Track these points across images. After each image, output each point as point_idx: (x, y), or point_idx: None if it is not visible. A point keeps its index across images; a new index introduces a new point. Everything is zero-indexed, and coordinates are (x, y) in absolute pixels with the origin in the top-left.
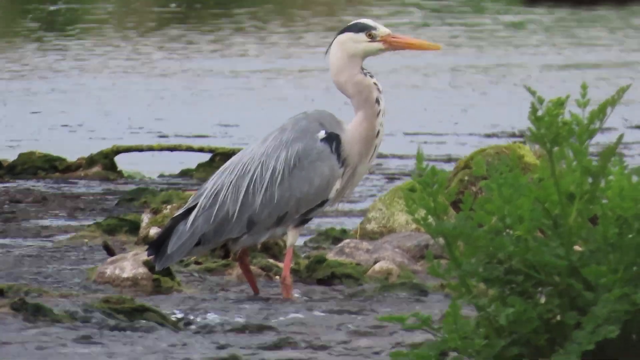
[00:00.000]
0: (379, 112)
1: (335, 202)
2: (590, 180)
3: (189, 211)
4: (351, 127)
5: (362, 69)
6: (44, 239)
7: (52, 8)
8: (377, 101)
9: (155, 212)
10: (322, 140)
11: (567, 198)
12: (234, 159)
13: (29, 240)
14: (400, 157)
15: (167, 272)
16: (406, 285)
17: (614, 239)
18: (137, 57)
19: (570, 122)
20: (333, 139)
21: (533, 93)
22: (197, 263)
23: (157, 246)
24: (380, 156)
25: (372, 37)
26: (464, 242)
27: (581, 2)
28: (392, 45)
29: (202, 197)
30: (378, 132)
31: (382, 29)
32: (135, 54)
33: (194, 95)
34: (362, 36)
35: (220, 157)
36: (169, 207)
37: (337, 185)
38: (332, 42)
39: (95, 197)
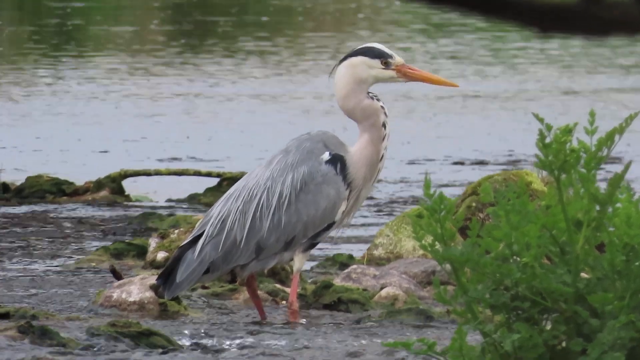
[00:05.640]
0: (384, 137)
1: (340, 225)
2: (597, 207)
3: (196, 239)
4: (356, 149)
5: (368, 92)
6: (51, 263)
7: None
8: (384, 125)
9: (163, 236)
10: (326, 162)
11: (575, 225)
12: (238, 184)
13: (36, 264)
14: (407, 182)
15: (174, 296)
16: (412, 311)
17: (620, 266)
18: (143, 80)
19: (578, 150)
20: (337, 160)
21: (541, 120)
22: (204, 287)
23: (165, 275)
24: (388, 182)
25: (386, 65)
26: (471, 268)
27: (591, 32)
28: (406, 76)
29: (209, 225)
30: (382, 156)
31: (397, 58)
32: (141, 77)
33: (201, 119)
34: (377, 62)
35: (227, 181)
36: (176, 231)
37: (343, 207)
38: (340, 63)
39: (103, 221)
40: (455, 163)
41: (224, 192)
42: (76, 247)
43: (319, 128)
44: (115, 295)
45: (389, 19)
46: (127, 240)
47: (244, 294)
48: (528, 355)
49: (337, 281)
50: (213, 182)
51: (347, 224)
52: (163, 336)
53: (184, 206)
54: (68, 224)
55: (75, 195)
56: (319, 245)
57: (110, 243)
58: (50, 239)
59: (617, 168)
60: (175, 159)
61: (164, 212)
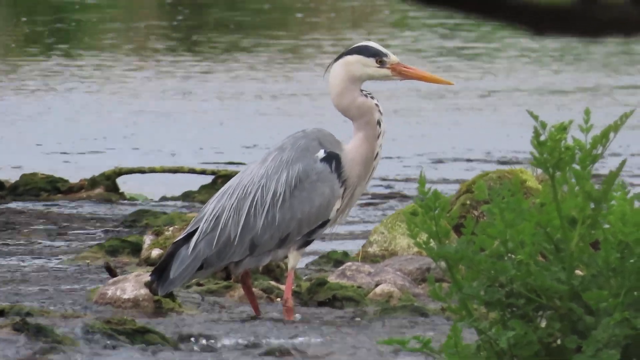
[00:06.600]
0: (379, 134)
1: (334, 223)
2: (592, 205)
3: (190, 235)
4: (351, 147)
5: (362, 90)
6: (46, 260)
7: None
8: (379, 123)
9: (157, 233)
10: (321, 160)
11: (569, 223)
12: (232, 181)
13: (30, 261)
14: (402, 180)
15: (169, 294)
16: (407, 308)
17: (615, 263)
18: (140, 77)
19: (573, 147)
20: (332, 158)
21: (536, 118)
22: (198, 284)
23: (159, 272)
24: (383, 179)
25: (381, 64)
26: (466, 265)
27: (587, 33)
28: (401, 74)
29: (203, 221)
30: (377, 154)
31: (392, 57)
32: (138, 74)
33: (196, 117)
34: (372, 61)
35: (222, 179)
36: (170, 229)
37: (338, 205)
38: (335, 62)
39: (98, 219)
40: (451, 160)
41: (219, 189)
42: (71, 245)
43: (314, 126)
44: (109, 293)
45: (405, 17)
46: (121, 238)
47: (238, 291)
48: (523, 353)
49: (332, 278)
50: (207, 179)
51: (342, 221)
52: (158, 333)
53: (179, 203)
54: (63, 222)
55: (70, 193)
56: (314, 243)
57: (105, 240)
58: (45, 237)
59: (615, 165)
60: (169, 156)
61: (158, 209)
